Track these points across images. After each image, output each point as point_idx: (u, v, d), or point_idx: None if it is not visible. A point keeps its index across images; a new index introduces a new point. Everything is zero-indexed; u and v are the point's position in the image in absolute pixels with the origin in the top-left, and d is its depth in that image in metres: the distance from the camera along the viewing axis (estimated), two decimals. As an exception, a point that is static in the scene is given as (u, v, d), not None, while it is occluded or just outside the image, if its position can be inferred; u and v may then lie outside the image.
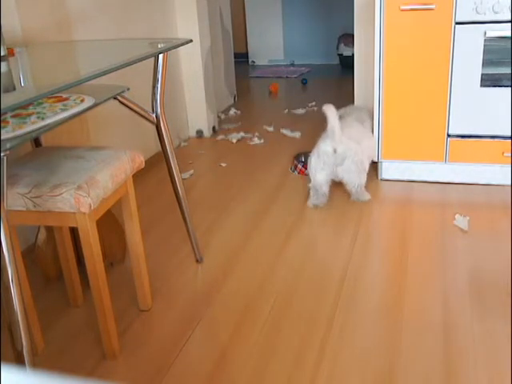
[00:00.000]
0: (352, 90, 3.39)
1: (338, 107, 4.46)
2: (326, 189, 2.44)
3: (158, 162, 3.08)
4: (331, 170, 2.39)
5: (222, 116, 4.15)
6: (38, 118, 1.31)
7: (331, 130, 2.34)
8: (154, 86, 1.79)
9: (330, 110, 2.35)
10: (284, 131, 3.66)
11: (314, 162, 2.42)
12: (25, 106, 1.39)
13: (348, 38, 5.62)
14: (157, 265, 2.09)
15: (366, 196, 2.50)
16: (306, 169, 2.82)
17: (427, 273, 1.92)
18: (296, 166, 2.93)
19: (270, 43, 6.35)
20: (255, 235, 2.28)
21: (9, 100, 1.08)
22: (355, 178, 2.41)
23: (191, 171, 3.03)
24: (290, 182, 2.81)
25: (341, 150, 2.35)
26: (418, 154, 2.62)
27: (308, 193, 2.54)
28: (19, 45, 1.95)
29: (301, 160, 2.93)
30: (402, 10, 2.40)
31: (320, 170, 2.40)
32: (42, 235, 1.93)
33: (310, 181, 2.48)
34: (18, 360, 1.24)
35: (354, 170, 2.39)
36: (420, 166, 2.66)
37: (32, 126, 1.26)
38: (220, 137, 3.63)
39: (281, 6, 6.16)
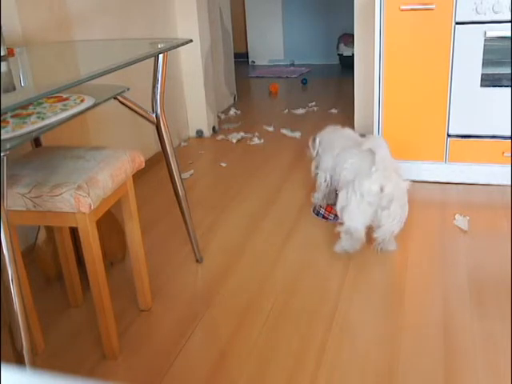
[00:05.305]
0: (352, 89, 3.39)
1: (338, 107, 4.43)
2: (362, 233, 1.97)
3: (158, 161, 3.08)
4: (374, 213, 1.93)
5: (222, 116, 4.15)
6: (38, 118, 1.31)
7: (381, 162, 1.88)
8: (154, 86, 1.79)
9: (377, 143, 1.94)
10: (284, 131, 3.66)
11: (355, 203, 1.92)
12: (25, 106, 1.39)
13: (348, 37, 5.62)
14: (157, 265, 2.09)
15: (394, 245, 2.05)
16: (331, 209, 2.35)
17: (427, 273, 1.92)
18: (319, 208, 2.43)
19: (270, 43, 6.35)
20: (255, 235, 2.27)
21: (9, 100, 1.08)
22: (395, 227, 1.97)
23: (191, 171, 3.03)
24: (290, 181, 2.81)
25: (389, 189, 1.88)
26: (417, 153, 2.62)
27: (338, 236, 2.05)
28: (19, 45, 1.95)
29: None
30: (402, 10, 2.40)
31: (362, 213, 1.93)
32: (42, 235, 1.93)
33: (340, 223, 2.03)
34: (18, 360, 1.24)
35: (398, 217, 1.95)
36: (420, 166, 2.66)
37: (32, 126, 1.26)
38: (220, 137, 3.63)
39: (281, 6, 6.16)
